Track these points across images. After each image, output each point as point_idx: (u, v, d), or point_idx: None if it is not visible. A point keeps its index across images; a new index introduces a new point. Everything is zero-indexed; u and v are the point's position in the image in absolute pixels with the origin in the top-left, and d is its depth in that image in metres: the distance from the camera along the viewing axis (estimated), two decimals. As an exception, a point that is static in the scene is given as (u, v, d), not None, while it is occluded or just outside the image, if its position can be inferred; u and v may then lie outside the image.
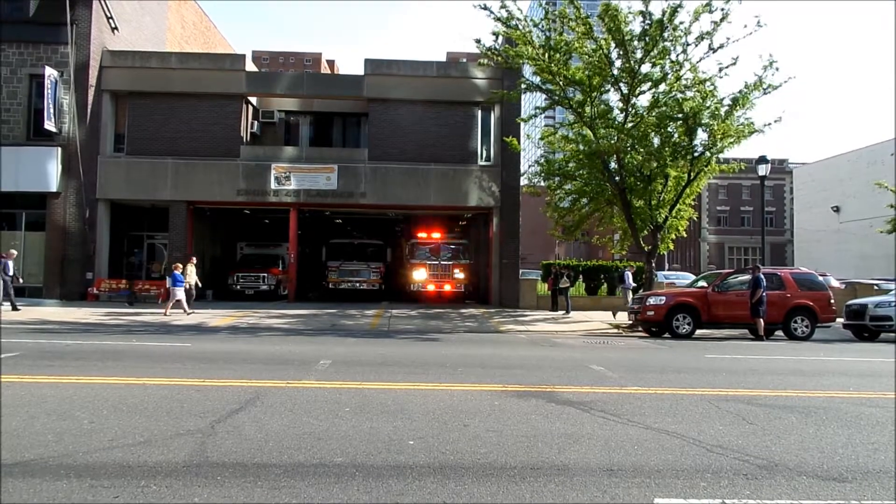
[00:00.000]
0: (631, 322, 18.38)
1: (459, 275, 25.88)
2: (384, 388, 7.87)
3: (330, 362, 9.97)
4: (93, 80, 23.25)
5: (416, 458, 4.98)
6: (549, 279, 23.81)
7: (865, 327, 17.27)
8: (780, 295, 16.86)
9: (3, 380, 7.71)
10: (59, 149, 22.67)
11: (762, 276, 16.56)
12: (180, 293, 18.32)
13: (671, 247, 22.91)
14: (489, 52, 20.29)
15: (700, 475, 4.72)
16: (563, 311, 22.19)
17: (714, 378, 9.40)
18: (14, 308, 18.29)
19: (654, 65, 19.34)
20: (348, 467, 4.71)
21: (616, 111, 20.63)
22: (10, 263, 19.12)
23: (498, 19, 19.34)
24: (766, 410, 7.07)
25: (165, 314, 17.92)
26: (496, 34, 20.29)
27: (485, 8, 19.29)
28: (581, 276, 25.83)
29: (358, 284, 27.07)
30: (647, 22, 18.56)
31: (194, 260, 20.05)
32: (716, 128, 18.40)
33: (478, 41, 20.26)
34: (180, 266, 18.71)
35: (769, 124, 19.18)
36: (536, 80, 20.86)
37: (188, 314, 18.23)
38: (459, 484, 4.39)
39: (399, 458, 4.98)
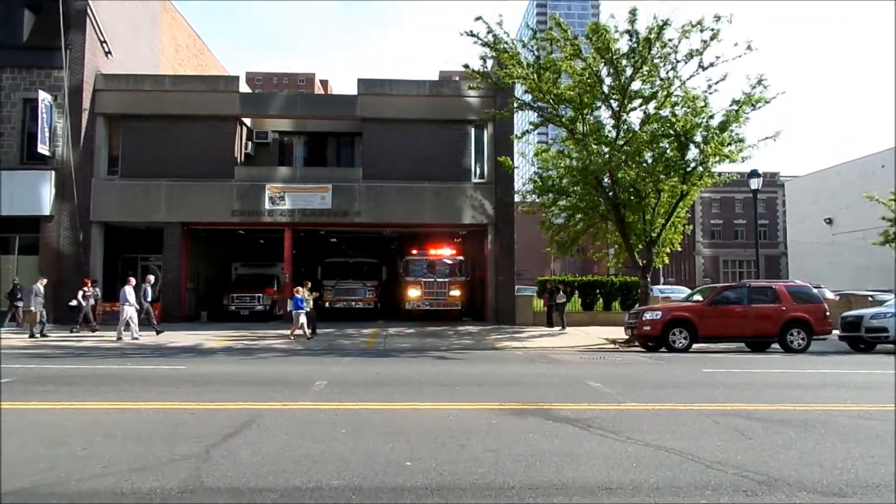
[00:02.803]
0: (627, 337, 18.36)
1: (455, 292, 25.74)
2: (381, 409, 7.82)
3: (326, 383, 9.91)
4: (86, 104, 23.29)
5: (414, 479, 4.94)
6: (545, 295, 23.77)
7: (861, 339, 17.30)
8: (776, 308, 16.87)
9: (-4, 406, 7.63)
10: (53, 172, 22.65)
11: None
12: (302, 317, 18.20)
13: (666, 261, 22.97)
14: (478, 74, 20.46)
15: (699, 492, 4.70)
16: (560, 328, 22.15)
17: (712, 392, 9.38)
18: (157, 332, 18.89)
19: (644, 81, 19.55)
20: (345, 490, 4.66)
21: (608, 128, 20.79)
22: (150, 288, 19.31)
23: (486, 44, 19.51)
24: (765, 425, 7.05)
25: (290, 338, 17.89)
26: (484, 58, 20.44)
27: (471, 34, 19.46)
28: (577, 292, 25.83)
29: (353, 303, 26.99)
30: (635, 40, 18.77)
31: (309, 284, 19.69)
32: (709, 150, 18.58)
33: (466, 66, 20.44)
34: (300, 289, 18.52)
35: (764, 139, 19.39)
36: (528, 98, 21.02)
37: (309, 338, 18.16)
38: (457, 506, 4.35)
39: (396, 479, 4.94)
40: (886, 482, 5.00)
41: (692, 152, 19.53)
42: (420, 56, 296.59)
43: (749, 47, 18.70)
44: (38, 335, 18.07)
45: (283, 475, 5.02)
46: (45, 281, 19.37)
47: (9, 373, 10.82)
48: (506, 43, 19.53)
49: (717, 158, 19.11)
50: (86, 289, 19.81)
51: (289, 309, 18.71)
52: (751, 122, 19.06)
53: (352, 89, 25.54)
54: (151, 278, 19.96)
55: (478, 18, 19.34)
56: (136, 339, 17.66)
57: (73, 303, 19.64)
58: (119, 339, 17.54)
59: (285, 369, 12.11)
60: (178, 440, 6.14)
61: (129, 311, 17.97)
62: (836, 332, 18.10)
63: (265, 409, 7.67)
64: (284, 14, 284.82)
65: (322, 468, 5.21)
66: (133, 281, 18.82)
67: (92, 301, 19.87)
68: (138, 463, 5.33)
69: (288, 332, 18.39)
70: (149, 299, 19.20)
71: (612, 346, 18.15)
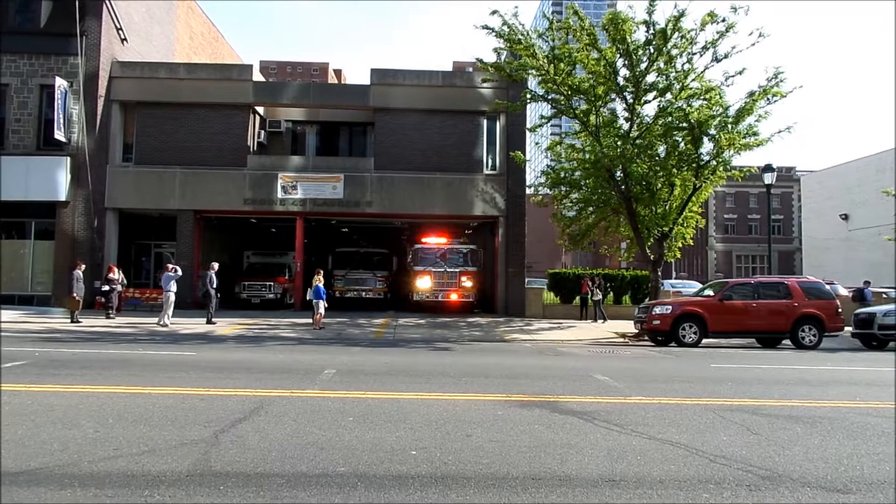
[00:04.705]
0: (637, 331, 18.33)
1: (467, 283, 25.53)
2: (388, 398, 7.87)
3: (334, 371, 9.99)
4: (102, 91, 23.50)
5: (419, 468, 4.99)
6: (583, 286, 24.14)
7: (874, 336, 17.17)
8: (787, 304, 16.77)
9: (11, 388, 7.77)
10: (69, 158, 22.90)
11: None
12: (322, 306, 18.39)
13: (678, 255, 22.86)
14: (491, 67, 20.42)
15: (703, 486, 4.71)
16: (601, 320, 22.95)
17: (719, 388, 9.36)
18: (209, 322, 18.63)
19: (659, 73, 19.39)
20: (350, 477, 4.72)
21: (621, 120, 20.66)
22: (214, 276, 19.32)
23: (500, 36, 19.44)
24: (771, 420, 7.03)
25: (316, 327, 18.02)
26: (498, 51, 20.39)
27: (486, 27, 19.41)
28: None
29: (363, 293, 27.14)
30: (651, 31, 18.61)
31: (321, 273, 19.56)
32: (723, 141, 18.42)
33: (479, 60, 20.43)
34: (321, 278, 18.62)
35: (779, 132, 19.14)
36: (541, 90, 20.92)
37: (319, 327, 18.25)
38: (461, 494, 4.40)
39: (401, 468, 4.99)
40: (891, 479, 4.99)
41: (706, 146, 19.38)
42: (436, 46, 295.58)
43: (761, 34, 18.49)
44: (75, 321, 18.03)
45: (290, 461, 5.09)
46: (83, 267, 19.47)
47: (23, 356, 11.00)
48: (521, 34, 19.44)
49: (732, 150, 18.95)
50: (112, 274, 19.98)
51: (308, 297, 18.78)
52: (770, 116, 18.74)
53: (365, 79, 25.49)
54: (215, 265, 19.78)
55: (493, 12, 19.31)
56: (166, 326, 17.74)
57: (106, 287, 19.72)
58: (164, 325, 17.64)
59: (294, 357, 12.21)
60: (187, 424, 6.23)
61: (171, 297, 18.15)
62: (848, 328, 17.97)
63: (274, 396, 7.75)
64: (299, 5, 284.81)
65: (328, 455, 5.27)
66: (170, 267, 18.93)
67: (119, 287, 20.00)
68: (148, 446, 5.43)
69: (304, 320, 18.44)
70: (214, 286, 19.10)
71: (622, 339, 18.14)
